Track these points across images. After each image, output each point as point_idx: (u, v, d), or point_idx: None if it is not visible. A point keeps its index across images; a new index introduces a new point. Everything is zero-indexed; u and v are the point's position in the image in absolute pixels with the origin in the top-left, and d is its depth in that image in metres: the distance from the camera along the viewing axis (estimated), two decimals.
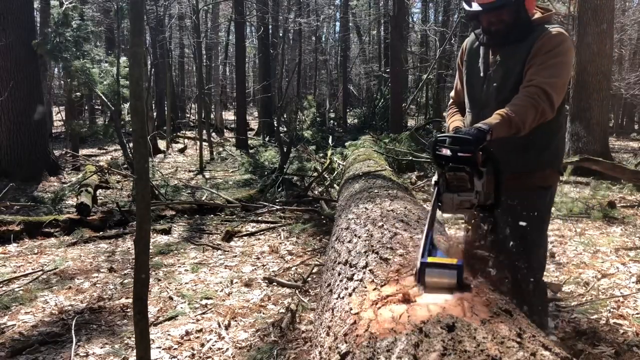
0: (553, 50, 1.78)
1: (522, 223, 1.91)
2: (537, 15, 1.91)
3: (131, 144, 6.56)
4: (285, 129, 12.10)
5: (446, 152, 1.45)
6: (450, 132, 1.81)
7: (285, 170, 7.42)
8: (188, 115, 20.62)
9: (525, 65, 1.83)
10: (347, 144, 9.16)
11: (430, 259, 1.21)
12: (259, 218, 5.63)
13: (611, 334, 2.69)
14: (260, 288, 3.54)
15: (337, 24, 23.98)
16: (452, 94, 2.30)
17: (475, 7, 1.83)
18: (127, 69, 6.98)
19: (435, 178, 1.51)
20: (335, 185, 6.60)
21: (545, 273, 3.59)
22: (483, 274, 1.35)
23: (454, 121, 2.12)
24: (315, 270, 3.74)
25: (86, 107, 16.70)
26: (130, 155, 7.56)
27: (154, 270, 3.84)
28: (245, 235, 4.95)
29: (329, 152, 8.31)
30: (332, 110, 18.56)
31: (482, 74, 2.00)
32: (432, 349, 0.88)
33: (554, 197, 2.15)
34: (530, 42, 1.82)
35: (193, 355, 2.60)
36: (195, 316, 3.07)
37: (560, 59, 1.78)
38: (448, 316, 0.99)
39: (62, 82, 18.10)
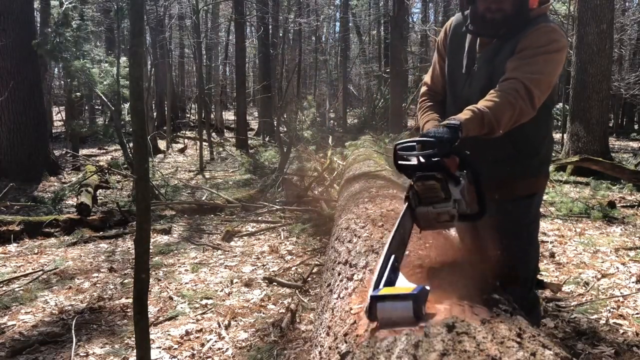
0: (545, 46, 1.60)
1: (511, 234, 1.72)
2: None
3: (131, 144, 6.58)
4: (285, 129, 12.09)
5: (410, 160, 1.25)
6: (410, 137, 1.54)
7: (285, 170, 7.42)
8: (188, 115, 20.59)
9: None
10: (347, 144, 9.15)
11: (383, 291, 1.02)
12: (259, 218, 5.63)
13: (611, 334, 2.69)
14: (260, 288, 3.54)
15: (337, 24, 23.94)
16: (427, 79, 1.99)
17: None
18: (127, 69, 6.97)
19: (405, 193, 1.30)
20: (335, 185, 6.59)
21: (545, 273, 3.61)
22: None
23: (428, 121, 1.82)
24: (315, 270, 3.74)
25: (86, 107, 16.68)
26: (130, 155, 7.55)
27: (154, 270, 3.84)
28: (245, 235, 4.95)
29: (329, 152, 8.31)
30: (332, 110, 18.54)
31: (464, 70, 1.79)
32: (432, 349, 0.88)
33: (541, 202, 1.96)
34: (520, 37, 1.64)
35: (193, 355, 2.60)
36: (195, 316, 3.07)
37: (550, 55, 1.60)
38: (448, 316, 0.99)
39: (62, 82, 18.10)
